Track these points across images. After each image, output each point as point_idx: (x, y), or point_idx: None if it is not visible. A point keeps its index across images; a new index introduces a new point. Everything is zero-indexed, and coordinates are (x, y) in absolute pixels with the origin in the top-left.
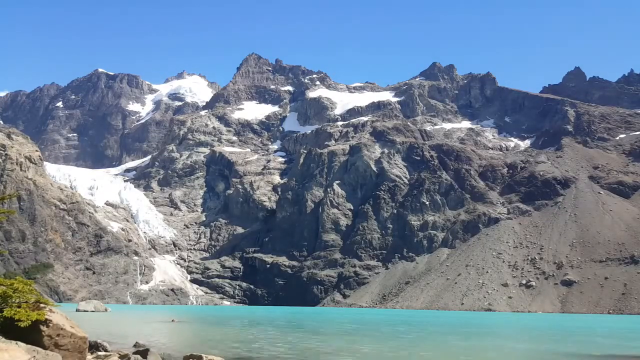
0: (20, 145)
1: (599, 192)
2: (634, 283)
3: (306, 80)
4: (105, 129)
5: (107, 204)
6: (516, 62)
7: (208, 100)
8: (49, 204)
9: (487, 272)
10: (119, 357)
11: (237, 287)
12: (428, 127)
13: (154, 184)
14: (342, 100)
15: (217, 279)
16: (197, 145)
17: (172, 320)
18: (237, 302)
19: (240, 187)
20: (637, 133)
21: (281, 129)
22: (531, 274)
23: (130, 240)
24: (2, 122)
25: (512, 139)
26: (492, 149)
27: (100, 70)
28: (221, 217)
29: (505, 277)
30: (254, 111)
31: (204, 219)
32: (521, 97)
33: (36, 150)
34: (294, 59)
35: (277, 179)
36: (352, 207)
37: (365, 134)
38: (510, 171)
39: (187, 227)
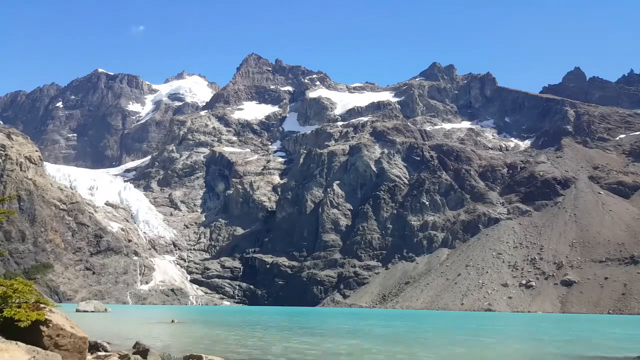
0: (20, 145)
1: (599, 192)
2: (634, 283)
3: (306, 81)
4: (105, 129)
5: (107, 204)
6: (516, 62)
7: (208, 100)
8: (49, 204)
9: (487, 272)
10: (119, 357)
11: (237, 287)
12: (428, 127)
13: (154, 184)
14: (342, 101)
15: (217, 279)
16: (197, 145)
17: (172, 321)
18: (237, 303)
19: (240, 187)
20: (637, 133)
21: (281, 129)
22: (531, 274)
23: (130, 241)
24: (2, 122)
25: (512, 139)
26: (492, 149)
27: (100, 70)
28: (221, 218)
29: (505, 277)
30: (253, 111)
31: (204, 219)
32: (521, 97)
33: (36, 151)
34: (294, 59)
35: (277, 179)
36: (351, 207)
37: (365, 134)
38: (510, 171)
39: (187, 227)
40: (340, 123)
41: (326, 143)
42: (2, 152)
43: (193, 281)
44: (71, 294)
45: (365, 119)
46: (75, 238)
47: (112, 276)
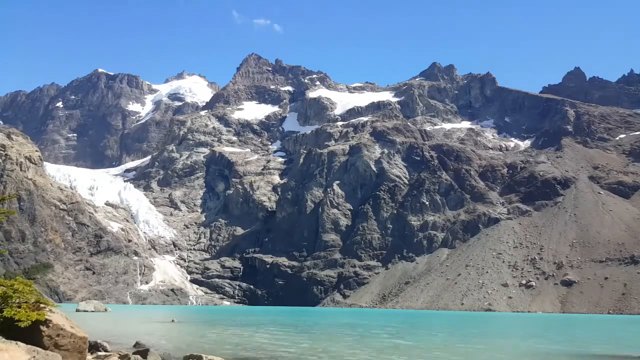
0: (20, 145)
1: (599, 192)
2: (634, 283)
3: (306, 81)
4: (105, 129)
5: (107, 204)
6: (516, 62)
7: (208, 100)
8: (49, 204)
9: (487, 272)
10: (119, 357)
11: (237, 287)
12: (428, 127)
13: (154, 184)
14: (342, 101)
15: (217, 279)
16: (197, 145)
17: (172, 320)
18: (237, 302)
19: (240, 187)
20: (637, 133)
21: (281, 129)
22: (531, 274)
23: (130, 241)
24: (2, 122)
25: (512, 139)
26: (492, 149)
27: (100, 70)
28: (221, 217)
29: (505, 277)
30: (253, 111)
31: (204, 219)
32: (521, 97)
33: (36, 151)
34: (294, 59)
35: (277, 179)
36: (351, 207)
37: (365, 134)
38: (510, 171)
39: (187, 227)
40: (340, 123)
41: (326, 143)
42: (2, 152)
43: (193, 281)
44: (71, 294)
45: (365, 119)
46: (75, 238)
47: (112, 276)
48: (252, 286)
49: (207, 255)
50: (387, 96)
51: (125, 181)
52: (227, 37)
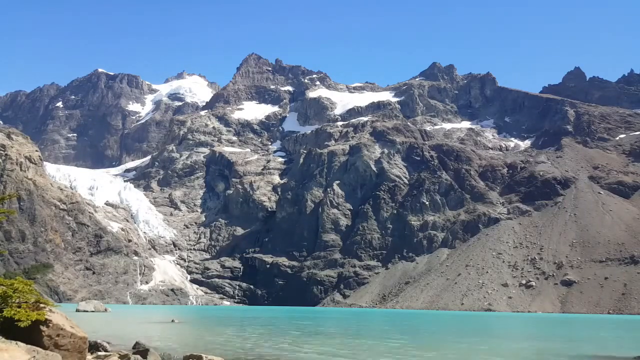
0: (20, 145)
1: (599, 192)
2: (634, 283)
3: (306, 80)
4: (105, 129)
5: (107, 204)
6: (516, 62)
7: (208, 100)
8: (49, 204)
9: (487, 272)
10: (119, 357)
11: (237, 287)
12: (428, 127)
13: (154, 184)
14: (342, 100)
15: (217, 279)
16: (197, 145)
17: (172, 320)
18: (237, 302)
19: (240, 187)
20: (637, 133)
21: (281, 129)
22: (531, 274)
23: (130, 241)
24: (2, 122)
25: (512, 139)
26: (492, 149)
27: (100, 70)
28: (221, 217)
29: (505, 277)
30: (253, 111)
31: (204, 219)
32: (521, 97)
33: (36, 150)
34: (294, 59)
35: (277, 179)
36: (351, 207)
37: (365, 134)
38: (510, 171)
39: (187, 227)
40: (340, 123)
41: (326, 143)
42: (2, 152)
43: (193, 281)
44: (71, 294)
45: (365, 118)
46: (75, 238)
47: (112, 276)
48: (252, 286)
49: (207, 255)
50: (387, 96)
51: (125, 181)
52: (227, 37)
